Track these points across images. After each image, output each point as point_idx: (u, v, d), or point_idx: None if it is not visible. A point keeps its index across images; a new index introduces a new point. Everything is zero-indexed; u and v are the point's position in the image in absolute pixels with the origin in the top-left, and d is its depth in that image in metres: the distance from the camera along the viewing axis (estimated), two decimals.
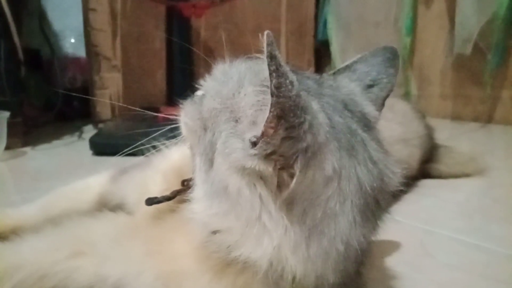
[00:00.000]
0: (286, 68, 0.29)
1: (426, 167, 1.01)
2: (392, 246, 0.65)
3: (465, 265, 0.62)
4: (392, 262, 0.61)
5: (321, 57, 2.15)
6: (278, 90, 0.29)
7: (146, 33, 1.63)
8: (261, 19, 1.69)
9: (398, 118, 0.93)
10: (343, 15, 2.08)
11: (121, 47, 1.62)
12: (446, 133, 1.20)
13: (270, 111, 0.29)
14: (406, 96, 1.91)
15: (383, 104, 0.45)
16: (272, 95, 0.29)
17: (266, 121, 0.30)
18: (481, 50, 1.72)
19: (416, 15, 1.93)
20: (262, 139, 0.31)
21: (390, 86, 0.45)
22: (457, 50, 1.77)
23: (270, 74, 0.29)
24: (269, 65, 0.29)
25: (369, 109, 0.42)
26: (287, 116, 0.29)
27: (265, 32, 0.29)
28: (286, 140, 0.31)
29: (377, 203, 0.37)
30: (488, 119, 1.80)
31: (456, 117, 1.91)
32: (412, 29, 1.94)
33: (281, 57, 0.29)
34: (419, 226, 0.75)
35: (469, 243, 0.69)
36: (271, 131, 0.30)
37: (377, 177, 0.37)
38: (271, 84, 0.29)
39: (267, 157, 0.32)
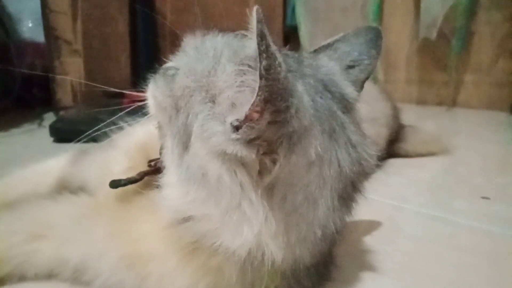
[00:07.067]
0: (275, 48, 0.27)
1: (393, 147, 1.03)
2: (363, 222, 0.66)
3: (431, 236, 0.64)
4: (363, 237, 0.62)
5: (290, 42, 2.15)
6: (268, 72, 0.26)
7: (109, 15, 1.56)
8: (229, 3, 1.65)
9: (365, 98, 0.93)
10: (311, 0, 2.08)
11: (82, 31, 1.54)
12: (412, 116, 1.23)
13: (257, 95, 0.27)
14: (373, 81, 1.95)
15: (362, 86, 0.44)
16: (261, 78, 0.27)
17: (252, 105, 0.28)
18: (445, 35, 1.77)
19: (382, 0, 1.95)
20: (246, 123, 0.29)
21: (371, 68, 0.44)
22: (422, 35, 1.82)
23: (260, 54, 0.26)
24: (259, 45, 0.26)
25: (349, 89, 0.41)
26: (274, 100, 0.27)
27: (254, 8, 0.27)
28: (272, 125, 0.29)
29: (354, 186, 0.37)
30: (452, 103, 1.86)
31: (421, 102, 1.96)
32: (379, 15, 1.96)
33: (270, 36, 0.27)
34: (387, 202, 0.77)
35: (434, 216, 0.71)
36: (256, 115, 0.28)
37: (356, 160, 0.37)
38: (260, 66, 0.26)
39: (250, 142, 0.30)
